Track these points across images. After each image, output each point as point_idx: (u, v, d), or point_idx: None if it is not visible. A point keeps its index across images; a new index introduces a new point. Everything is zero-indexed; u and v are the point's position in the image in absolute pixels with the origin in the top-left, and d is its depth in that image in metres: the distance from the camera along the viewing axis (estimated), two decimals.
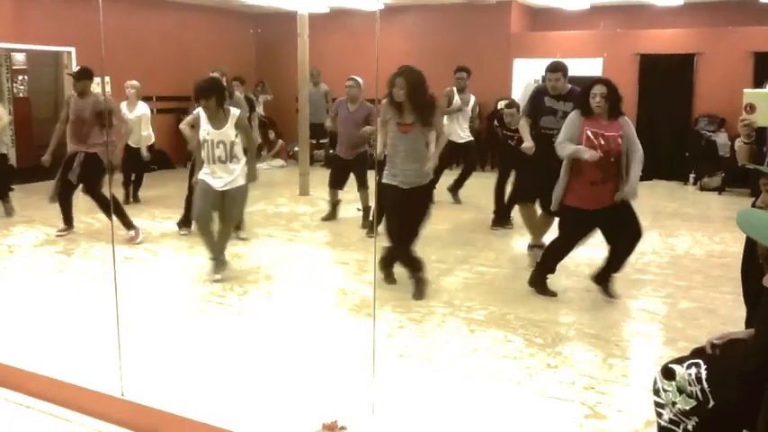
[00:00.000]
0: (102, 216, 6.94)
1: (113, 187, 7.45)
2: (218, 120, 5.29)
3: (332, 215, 7.82)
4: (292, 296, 5.15)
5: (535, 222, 6.06)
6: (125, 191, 8.72)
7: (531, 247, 6.02)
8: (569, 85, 5.73)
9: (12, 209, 7.82)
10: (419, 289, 5.06)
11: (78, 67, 6.99)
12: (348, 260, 6.15)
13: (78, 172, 6.53)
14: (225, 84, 7.03)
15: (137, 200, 8.81)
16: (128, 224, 6.70)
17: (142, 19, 11.57)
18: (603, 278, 5.02)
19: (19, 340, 4.14)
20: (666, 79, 11.08)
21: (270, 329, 4.46)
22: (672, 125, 11.09)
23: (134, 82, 8.54)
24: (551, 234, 5.50)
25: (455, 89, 8.45)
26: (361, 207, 7.58)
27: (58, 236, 6.85)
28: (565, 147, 4.76)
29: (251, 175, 5.48)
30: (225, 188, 5.31)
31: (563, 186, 4.84)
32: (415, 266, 5.10)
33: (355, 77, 7.40)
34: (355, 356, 3.94)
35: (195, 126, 5.42)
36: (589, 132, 4.69)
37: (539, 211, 5.94)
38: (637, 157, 4.83)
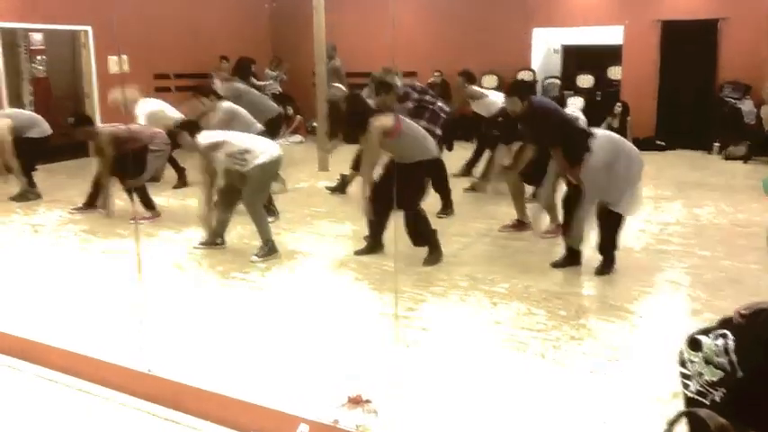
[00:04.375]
0: (124, 195, 6.99)
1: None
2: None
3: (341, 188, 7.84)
4: (314, 271, 5.16)
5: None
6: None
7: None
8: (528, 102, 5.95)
9: (35, 194, 7.78)
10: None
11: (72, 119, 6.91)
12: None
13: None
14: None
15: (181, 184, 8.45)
16: (148, 205, 6.79)
17: None
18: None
19: (45, 316, 4.20)
20: (689, 46, 10.84)
21: (292, 304, 4.48)
22: (695, 93, 10.88)
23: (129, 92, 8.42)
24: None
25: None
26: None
27: (71, 212, 7.00)
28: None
29: None
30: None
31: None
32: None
33: (336, 84, 7.65)
34: (378, 330, 3.95)
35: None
36: None
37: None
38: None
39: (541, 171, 5.70)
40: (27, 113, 8.29)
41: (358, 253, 5.43)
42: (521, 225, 6.15)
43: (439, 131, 6.56)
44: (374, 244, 5.44)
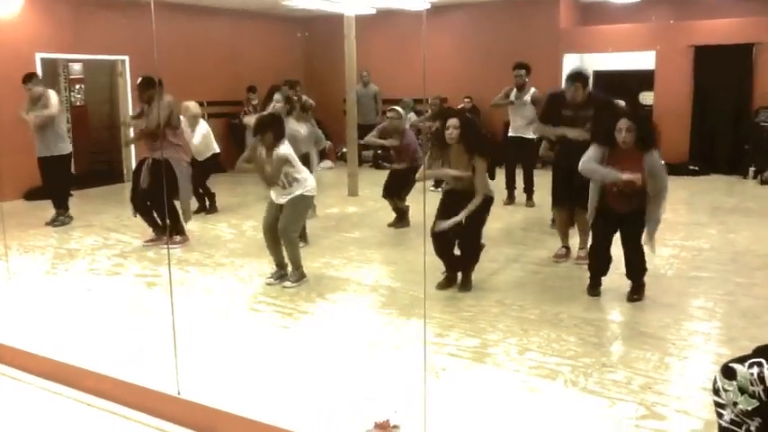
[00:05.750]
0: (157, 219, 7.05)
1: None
2: (271, 155, 5.24)
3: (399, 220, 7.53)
4: (343, 296, 5.17)
5: (566, 225, 6.01)
6: (199, 202, 8.44)
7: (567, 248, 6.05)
8: (588, 91, 5.66)
9: (70, 218, 7.92)
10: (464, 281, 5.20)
11: (140, 78, 6.80)
12: (398, 260, 6.15)
13: (149, 179, 6.56)
14: (293, 96, 7.21)
15: (213, 209, 8.52)
16: (179, 230, 6.80)
17: (192, 26, 11.78)
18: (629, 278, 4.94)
19: (79, 340, 4.26)
20: (723, 71, 10.73)
21: (321, 329, 4.49)
22: (730, 118, 10.77)
23: (192, 106, 8.27)
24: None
25: (515, 87, 8.37)
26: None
27: (145, 245, 6.75)
28: (589, 167, 4.69)
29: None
30: (282, 201, 5.35)
31: (595, 198, 4.80)
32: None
33: (396, 108, 7.34)
34: (406, 356, 3.93)
35: (251, 157, 5.39)
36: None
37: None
38: (659, 195, 4.66)
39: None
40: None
41: (439, 287, 5.16)
42: (568, 252, 6.05)
43: None
44: (453, 276, 5.25)
